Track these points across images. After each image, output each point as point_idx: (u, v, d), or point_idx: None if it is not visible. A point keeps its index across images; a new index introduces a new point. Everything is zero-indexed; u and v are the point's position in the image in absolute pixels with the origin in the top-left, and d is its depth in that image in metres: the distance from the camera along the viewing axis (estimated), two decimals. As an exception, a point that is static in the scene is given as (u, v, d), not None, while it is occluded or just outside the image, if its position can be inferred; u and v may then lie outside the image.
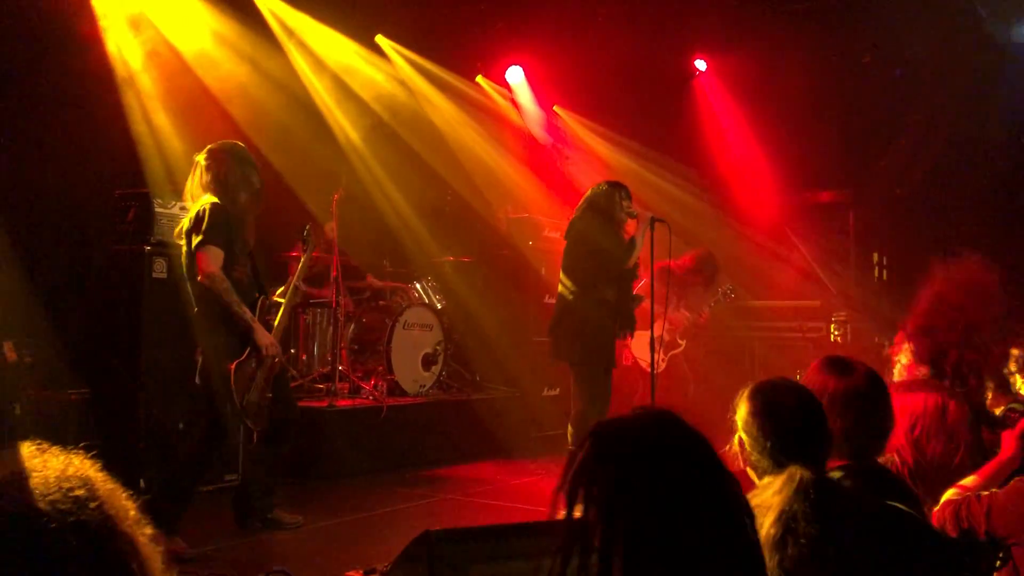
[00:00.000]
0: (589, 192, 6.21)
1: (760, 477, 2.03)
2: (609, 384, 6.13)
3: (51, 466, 1.05)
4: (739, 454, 2.11)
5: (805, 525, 1.70)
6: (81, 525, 0.99)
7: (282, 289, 5.18)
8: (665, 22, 9.68)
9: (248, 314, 4.54)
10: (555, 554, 1.35)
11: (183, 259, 4.64)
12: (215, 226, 4.49)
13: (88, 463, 1.08)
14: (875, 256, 9.73)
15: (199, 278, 4.47)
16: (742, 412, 2.09)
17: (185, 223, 4.61)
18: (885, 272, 9.74)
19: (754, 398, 2.08)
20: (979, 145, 9.06)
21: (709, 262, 7.99)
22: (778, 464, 1.95)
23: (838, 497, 1.81)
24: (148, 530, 1.07)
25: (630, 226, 6.08)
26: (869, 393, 2.33)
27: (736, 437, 2.11)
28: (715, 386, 7.84)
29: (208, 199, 4.59)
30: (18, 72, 6.02)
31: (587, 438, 1.37)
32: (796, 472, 1.81)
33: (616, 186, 6.15)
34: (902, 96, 9.46)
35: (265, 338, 4.60)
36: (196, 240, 4.47)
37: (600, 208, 6.02)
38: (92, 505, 1.01)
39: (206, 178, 4.65)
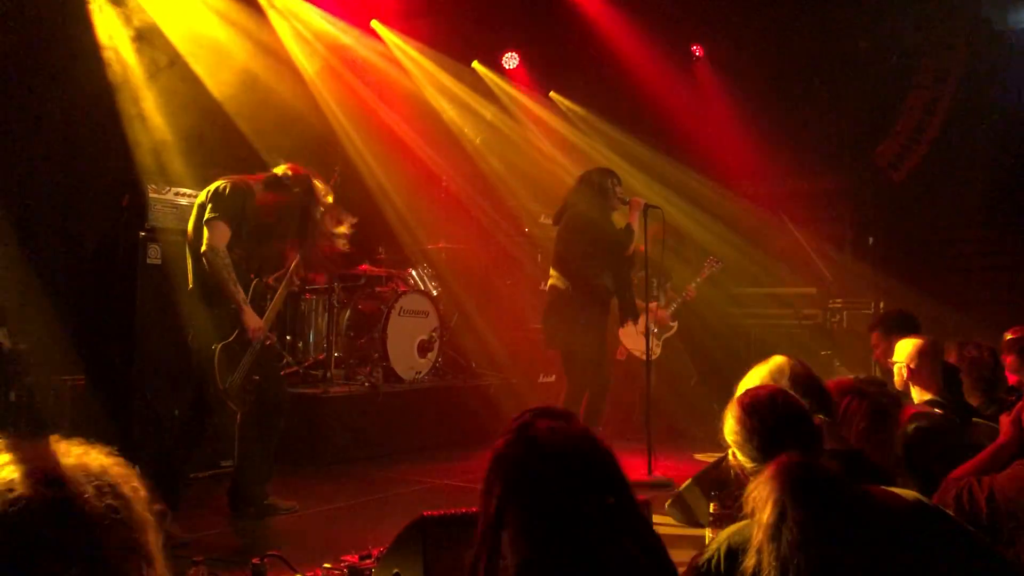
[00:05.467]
0: (578, 180, 6.17)
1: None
2: (603, 371, 6.13)
3: (90, 464, 1.15)
4: (735, 466, 2.13)
5: (795, 509, 1.71)
6: (114, 520, 1.10)
7: (278, 274, 5.10)
8: (661, 8, 9.64)
9: (241, 295, 4.52)
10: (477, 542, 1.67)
11: (190, 231, 4.64)
12: (229, 205, 4.52)
13: (112, 460, 1.18)
14: (870, 237, 9.70)
15: (202, 249, 4.45)
16: (728, 424, 2.16)
17: (202, 196, 4.65)
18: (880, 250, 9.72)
19: (735, 407, 2.16)
20: (976, 132, 9.05)
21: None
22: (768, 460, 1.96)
23: (825, 479, 1.82)
24: (156, 506, 1.18)
25: (623, 213, 6.06)
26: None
27: (729, 451, 2.14)
28: (718, 372, 7.86)
29: (230, 179, 4.61)
30: (8, 60, 5.97)
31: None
32: (783, 458, 1.83)
33: (606, 172, 6.14)
34: (899, 82, 9.44)
35: (253, 321, 4.57)
36: (208, 214, 4.48)
37: (592, 196, 6.00)
38: (118, 504, 1.12)
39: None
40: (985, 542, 2.23)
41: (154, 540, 1.14)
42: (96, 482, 1.11)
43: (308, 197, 4.80)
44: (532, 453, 1.63)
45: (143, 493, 1.16)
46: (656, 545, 1.65)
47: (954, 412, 3.54)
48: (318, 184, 4.87)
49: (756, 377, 2.50)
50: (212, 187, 4.67)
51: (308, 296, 7.44)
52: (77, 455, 1.14)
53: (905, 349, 3.76)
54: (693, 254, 8.26)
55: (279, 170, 4.83)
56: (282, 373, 5.76)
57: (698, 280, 7.82)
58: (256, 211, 4.68)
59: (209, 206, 4.56)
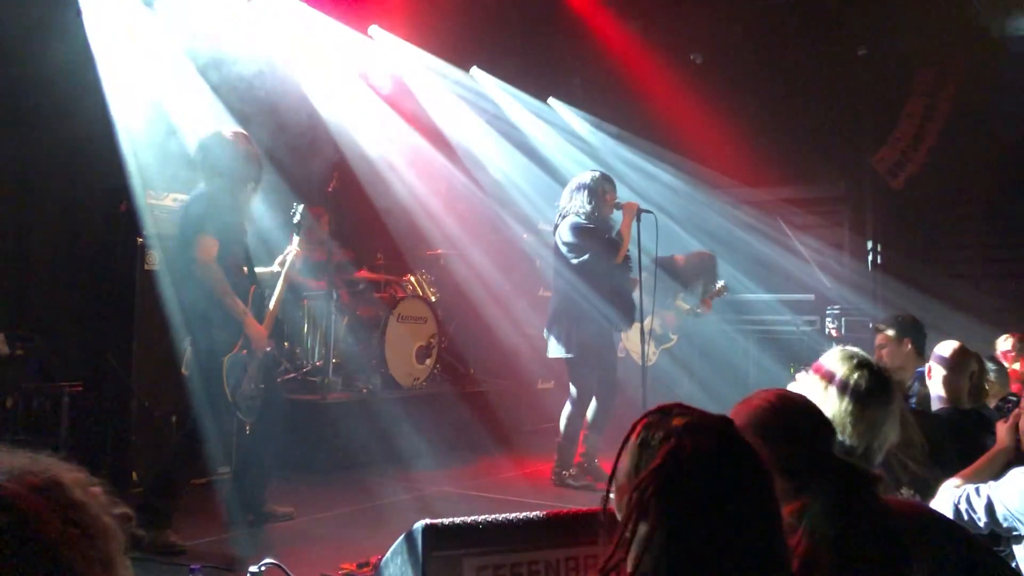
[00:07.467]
0: (573, 184, 6.14)
1: None
2: (607, 377, 6.13)
3: (34, 475, 1.08)
4: None
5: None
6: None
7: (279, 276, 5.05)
8: (661, 16, 9.67)
9: (240, 306, 4.51)
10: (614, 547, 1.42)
11: (177, 245, 4.63)
12: (209, 215, 4.49)
13: (62, 465, 1.11)
14: (869, 243, 9.73)
15: (192, 266, 4.44)
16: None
17: (182, 211, 4.63)
18: (879, 256, 9.74)
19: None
20: (974, 138, 9.07)
21: (710, 262, 7.85)
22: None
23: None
24: (116, 510, 1.13)
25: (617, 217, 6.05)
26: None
27: None
28: (709, 380, 7.86)
29: (201, 188, 4.58)
30: (5, 65, 5.97)
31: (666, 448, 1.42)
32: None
33: (599, 177, 6.10)
34: (897, 89, 9.46)
35: (256, 332, 4.57)
36: (193, 230, 4.46)
37: (585, 201, 5.98)
38: (73, 515, 1.06)
39: (203, 167, 4.64)
40: (988, 547, 2.22)
41: (115, 545, 1.09)
42: (46, 495, 1.05)
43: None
44: (677, 477, 1.38)
45: (99, 496, 1.11)
46: None
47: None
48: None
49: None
50: (187, 200, 4.66)
51: (306, 302, 7.43)
52: (19, 468, 1.07)
53: (940, 351, 3.76)
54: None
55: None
56: (279, 380, 5.76)
57: (710, 298, 7.72)
58: (234, 212, 4.67)
59: (190, 223, 4.51)
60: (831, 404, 2.16)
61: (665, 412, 1.48)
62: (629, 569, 1.37)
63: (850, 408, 2.14)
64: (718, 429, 1.44)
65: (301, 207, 5.10)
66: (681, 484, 1.37)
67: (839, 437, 2.07)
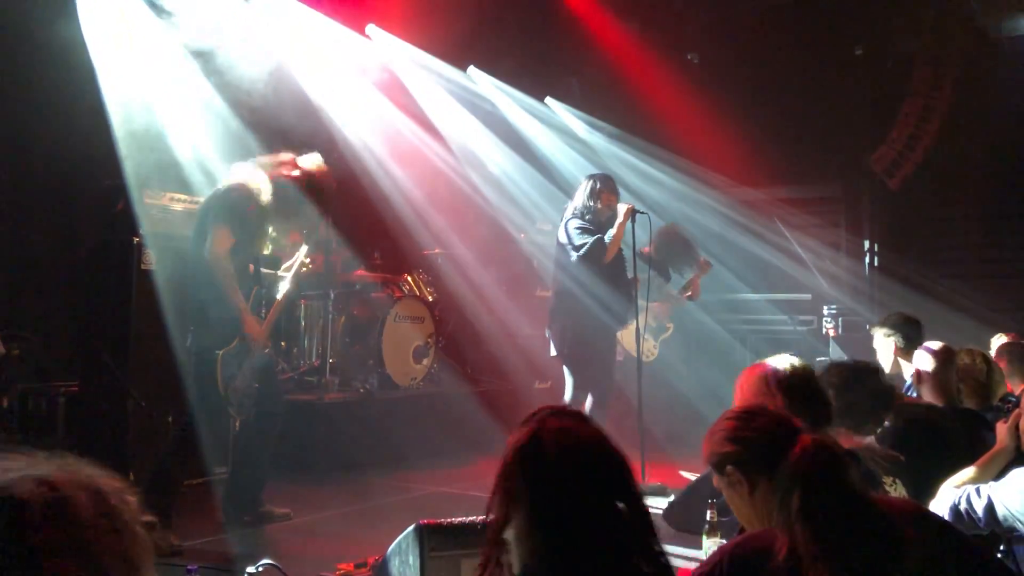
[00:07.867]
0: (579, 185, 6.22)
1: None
2: (605, 375, 6.14)
3: (79, 474, 1.18)
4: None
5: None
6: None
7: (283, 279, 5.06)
8: (658, 17, 9.67)
9: (241, 302, 4.51)
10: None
11: (194, 233, 4.64)
12: (235, 210, 4.50)
13: (100, 472, 1.21)
14: (866, 244, 9.74)
15: (205, 255, 4.45)
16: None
17: (206, 198, 4.69)
18: (876, 257, 9.75)
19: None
20: (971, 138, 9.09)
21: (674, 233, 7.65)
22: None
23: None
24: (146, 517, 1.22)
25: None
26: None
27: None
28: (708, 379, 7.85)
29: (239, 182, 4.58)
30: (1, 63, 5.95)
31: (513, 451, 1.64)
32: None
33: (598, 178, 6.16)
34: (894, 89, 9.48)
35: (254, 328, 4.57)
36: (211, 219, 4.48)
37: (581, 203, 6.03)
38: (107, 511, 1.15)
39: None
40: (988, 551, 2.22)
41: (143, 550, 1.16)
42: (86, 490, 1.14)
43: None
44: (539, 453, 1.59)
45: (132, 504, 1.19)
46: (666, 565, 1.60)
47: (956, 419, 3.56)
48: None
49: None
50: (219, 188, 4.67)
51: (304, 302, 7.42)
52: (66, 466, 1.17)
53: (921, 353, 3.80)
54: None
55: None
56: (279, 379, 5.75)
57: (695, 277, 7.57)
58: (259, 216, 4.66)
59: (212, 210, 4.55)
60: (788, 362, 2.64)
61: (539, 410, 1.69)
62: (516, 570, 1.55)
63: (799, 367, 2.63)
64: (575, 416, 1.68)
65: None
66: (543, 458, 1.57)
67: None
